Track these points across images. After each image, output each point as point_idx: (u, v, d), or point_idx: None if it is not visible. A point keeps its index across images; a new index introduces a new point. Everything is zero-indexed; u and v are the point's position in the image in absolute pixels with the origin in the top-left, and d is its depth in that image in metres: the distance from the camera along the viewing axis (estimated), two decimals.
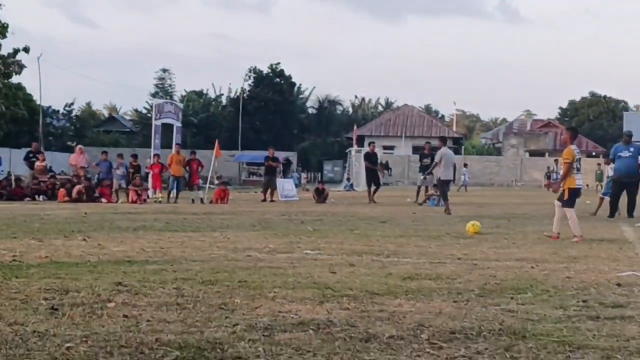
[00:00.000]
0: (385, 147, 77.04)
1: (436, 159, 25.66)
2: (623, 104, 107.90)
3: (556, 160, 55.76)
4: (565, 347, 5.74)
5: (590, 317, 6.88)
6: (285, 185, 35.40)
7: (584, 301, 7.66)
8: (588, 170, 69.78)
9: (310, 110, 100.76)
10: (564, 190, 14.88)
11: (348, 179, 58.90)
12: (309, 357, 5.40)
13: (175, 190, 30.86)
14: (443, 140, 27.24)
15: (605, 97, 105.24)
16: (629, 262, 11.07)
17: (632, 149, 22.48)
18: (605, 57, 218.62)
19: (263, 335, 6.03)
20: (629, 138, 23.06)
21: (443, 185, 25.46)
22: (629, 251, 12.74)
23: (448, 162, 25.27)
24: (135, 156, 33.77)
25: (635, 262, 11.12)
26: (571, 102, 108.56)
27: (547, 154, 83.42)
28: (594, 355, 5.51)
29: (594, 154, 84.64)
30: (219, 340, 5.84)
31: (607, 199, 23.51)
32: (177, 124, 38.07)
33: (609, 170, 24.19)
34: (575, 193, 14.87)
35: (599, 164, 56.09)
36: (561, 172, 15.38)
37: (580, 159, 15.00)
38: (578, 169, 14.94)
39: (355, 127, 71.74)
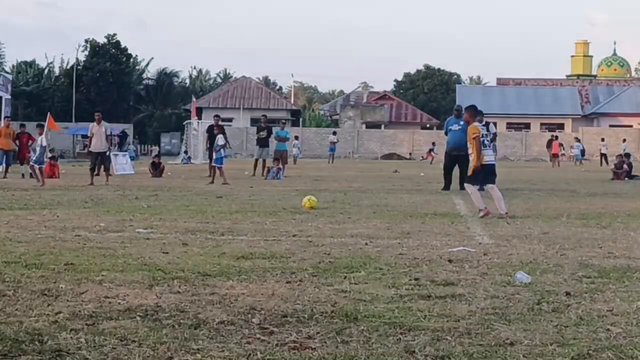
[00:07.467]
0: (223, 119, 76.40)
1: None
2: (456, 76, 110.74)
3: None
4: (396, 329, 5.70)
5: (422, 296, 6.88)
6: (120, 159, 34.61)
7: (415, 279, 7.66)
8: (422, 142, 71.43)
9: (147, 82, 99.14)
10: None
11: (186, 152, 58.27)
12: (134, 348, 5.18)
13: (4, 165, 29.81)
14: None
15: (439, 69, 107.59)
16: (461, 237, 11.23)
17: (462, 123, 22.75)
18: (439, 30, 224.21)
19: (87, 324, 5.77)
20: (458, 112, 23.42)
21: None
22: (460, 225, 12.95)
23: None
24: None
25: (466, 237, 11.30)
26: (406, 75, 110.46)
27: (383, 126, 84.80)
28: (424, 337, 5.49)
29: (428, 125, 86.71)
30: (39, 330, 5.55)
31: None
32: (6, 96, 36.80)
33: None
34: (482, 169, 14.58)
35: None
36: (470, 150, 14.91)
37: (486, 134, 14.89)
38: (486, 145, 14.78)
39: (194, 99, 71.00)
